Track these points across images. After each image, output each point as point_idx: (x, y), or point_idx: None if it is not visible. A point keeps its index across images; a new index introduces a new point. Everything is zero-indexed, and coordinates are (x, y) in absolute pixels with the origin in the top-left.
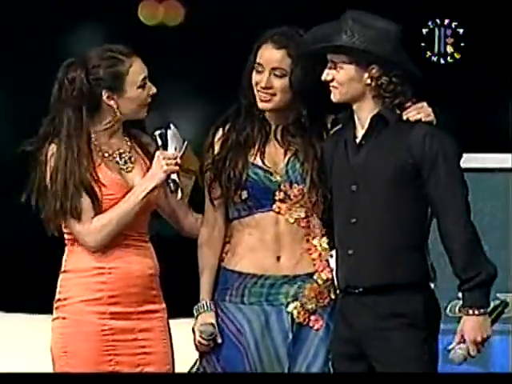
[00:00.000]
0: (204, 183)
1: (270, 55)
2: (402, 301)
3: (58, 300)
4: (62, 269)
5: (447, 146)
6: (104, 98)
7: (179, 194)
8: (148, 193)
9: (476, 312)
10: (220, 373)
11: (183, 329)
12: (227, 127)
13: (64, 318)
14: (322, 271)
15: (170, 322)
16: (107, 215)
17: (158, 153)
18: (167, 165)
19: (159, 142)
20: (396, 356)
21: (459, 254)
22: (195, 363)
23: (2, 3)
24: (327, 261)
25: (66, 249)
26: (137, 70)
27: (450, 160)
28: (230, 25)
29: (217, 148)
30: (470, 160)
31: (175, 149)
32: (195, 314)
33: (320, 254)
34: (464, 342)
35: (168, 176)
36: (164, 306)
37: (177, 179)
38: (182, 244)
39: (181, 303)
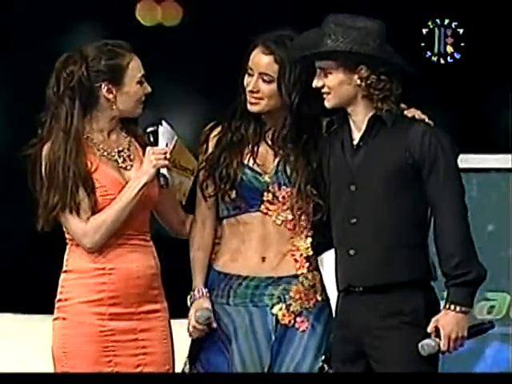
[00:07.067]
0: (197, 180)
1: (258, 60)
2: (404, 299)
3: (59, 300)
4: (64, 268)
5: (446, 143)
6: (103, 90)
7: (181, 196)
8: (140, 189)
9: (457, 309)
10: (222, 373)
11: (185, 329)
12: (224, 125)
13: (64, 319)
14: (299, 268)
15: (173, 322)
16: (102, 215)
17: (148, 148)
18: (156, 159)
19: (151, 139)
20: (396, 355)
21: (454, 253)
22: (185, 364)
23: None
24: (307, 258)
25: (67, 248)
26: (136, 66)
27: (449, 158)
28: (228, 25)
29: (211, 145)
30: (470, 160)
31: (166, 145)
32: (189, 302)
33: (301, 255)
34: (437, 336)
35: (158, 171)
36: (165, 304)
37: (166, 174)
38: (183, 244)
39: (183, 304)
